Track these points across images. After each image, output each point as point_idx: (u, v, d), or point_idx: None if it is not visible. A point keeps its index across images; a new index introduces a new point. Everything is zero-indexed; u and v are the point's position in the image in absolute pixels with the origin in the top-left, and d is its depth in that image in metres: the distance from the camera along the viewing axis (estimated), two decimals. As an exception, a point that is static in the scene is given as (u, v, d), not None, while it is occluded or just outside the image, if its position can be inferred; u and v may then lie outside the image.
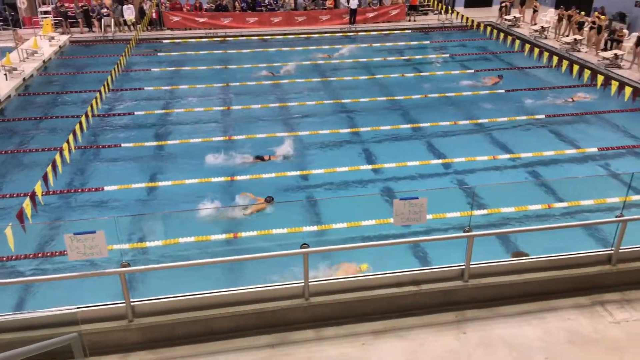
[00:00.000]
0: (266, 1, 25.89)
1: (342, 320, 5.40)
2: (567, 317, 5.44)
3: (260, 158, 12.83)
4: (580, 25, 21.12)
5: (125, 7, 24.19)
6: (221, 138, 14.23)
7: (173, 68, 20.31)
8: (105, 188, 11.56)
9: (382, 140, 13.91)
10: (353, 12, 25.20)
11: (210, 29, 24.79)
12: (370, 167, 12.53)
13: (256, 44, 23.66)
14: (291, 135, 14.26)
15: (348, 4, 25.43)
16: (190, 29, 24.73)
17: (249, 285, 5.47)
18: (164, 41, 23.75)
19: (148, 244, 9.74)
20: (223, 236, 9.94)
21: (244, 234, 9.95)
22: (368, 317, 5.45)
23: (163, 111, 16.19)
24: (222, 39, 24.22)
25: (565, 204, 10.83)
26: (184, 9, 25.00)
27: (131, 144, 13.84)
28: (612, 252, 5.80)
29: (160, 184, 11.91)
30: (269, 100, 17.02)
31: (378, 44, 23.23)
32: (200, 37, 24.27)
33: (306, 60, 20.93)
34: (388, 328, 5.36)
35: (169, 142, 14.11)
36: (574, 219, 10.22)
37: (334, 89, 18.03)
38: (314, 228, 10.14)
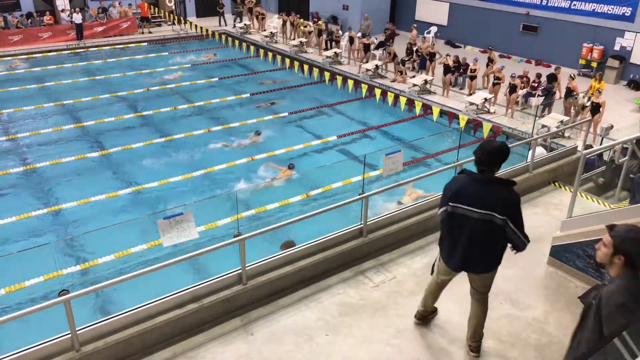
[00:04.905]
0: (-34, 20, 22.13)
1: (123, 361, 4.97)
2: (337, 292, 6.00)
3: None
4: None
5: None
6: None
7: None
8: None
9: (134, 159, 13.19)
10: (79, 27, 23.21)
11: None
12: (129, 190, 11.79)
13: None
14: (27, 169, 12.54)
15: (71, 18, 23.32)
16: None
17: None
18: None
19: None
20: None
21: None
22: (152, 349, 5.13)
23: None
24: None
25: (320, 190, 11.91)
26: None
27: None
28: (362, 225, 6.60)
29: None
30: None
31: (113, 59, 21.92)
32: None
33: (33, 84, 18.56)
34: (177, 353, 5.13)
35: None
36: (332, 202, 11.29)
37: (71, 112, 16.38)
38: (78, 267, 9.14)
